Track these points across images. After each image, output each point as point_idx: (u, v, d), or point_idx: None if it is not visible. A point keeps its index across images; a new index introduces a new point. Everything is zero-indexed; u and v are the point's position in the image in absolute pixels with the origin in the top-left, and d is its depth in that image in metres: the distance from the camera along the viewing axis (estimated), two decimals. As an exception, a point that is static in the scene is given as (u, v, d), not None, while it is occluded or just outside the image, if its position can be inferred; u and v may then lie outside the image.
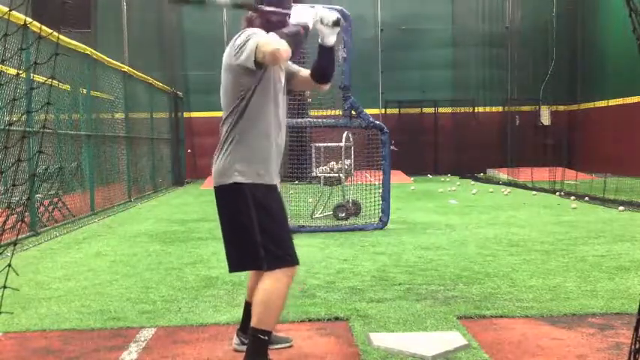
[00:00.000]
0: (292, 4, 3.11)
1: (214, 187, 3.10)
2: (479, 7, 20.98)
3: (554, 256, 5.97)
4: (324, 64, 3.23)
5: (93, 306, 4.44)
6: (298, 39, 2.92)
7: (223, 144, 3.06)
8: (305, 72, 3.33)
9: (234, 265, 3.16)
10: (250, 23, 3.09)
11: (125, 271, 5.69)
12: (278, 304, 2.98)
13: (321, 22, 3.07)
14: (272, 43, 2.80)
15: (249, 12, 3.12)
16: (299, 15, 3.01)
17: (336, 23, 3.09)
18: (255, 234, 2.96)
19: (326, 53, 3.18)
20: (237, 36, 3.00)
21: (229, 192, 3.03)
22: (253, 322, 2.98)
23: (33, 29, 7.38)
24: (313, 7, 3.10)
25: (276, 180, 3.13)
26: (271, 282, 2.97)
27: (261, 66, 2.89)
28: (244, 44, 2.90)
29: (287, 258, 3.01)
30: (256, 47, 2.83)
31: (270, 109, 3.05)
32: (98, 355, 3.45)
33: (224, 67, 3.06)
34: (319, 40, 3.16)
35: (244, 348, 3.16)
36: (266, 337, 2.98)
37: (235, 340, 3.46)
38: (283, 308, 3.06)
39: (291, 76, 3.30)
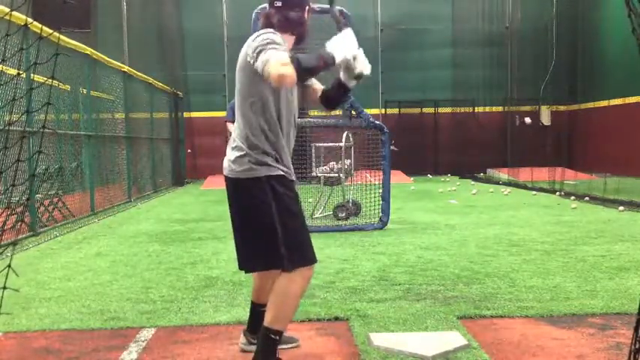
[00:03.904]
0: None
1: (233, 178, 3.06)
2: (479, 7, 20.96)
3: (554, 256, 5.97)
4: (335, 98, 3.21)
5: (93, 306, 4.44)
6: (313, 71, 2.86)
7: (235, 142, 3.07)
8: (317, 87, 3.27)
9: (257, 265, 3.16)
10: (268, 19, 3.06)
11: (125, 271, 5.69)
12: (293, 305, 3.00)
13: (348, 66, 2.97)
14: (279, 66, 2.69)
15: (267, 8, 3.10)
16: (335, 45, 2.92)
17: (359, 77, 3.01)
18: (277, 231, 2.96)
19: (341, 89, 3.13)
20: (255, 35, 2.95)
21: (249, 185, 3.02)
22: (267, 322, 2.98)
23: (33, 29, 7.37)
24: (356, 47, 2.98)
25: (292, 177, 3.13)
26: (287, 282, 2.97)
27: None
28: (261, 50, 2.82)
29: (307, 256, 3.03)
30: (263, 66, 2.77)
31: (283, 116, 3.05)
32: (98, 355, 3.45)
33: (239, 66, 3.04)
34: (340, 76, 3.08)
35: (252, 348, 3.18)
36: (277, 337, 2.99)
37: (242, 339, 3.44)
38: (296, 309, 3.09)
39: (305, 87, 3.25)
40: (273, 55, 2.76)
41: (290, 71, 2.69)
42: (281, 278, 3.00)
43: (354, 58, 2.95)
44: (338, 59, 2.90)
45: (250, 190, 2.99)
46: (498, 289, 4.68)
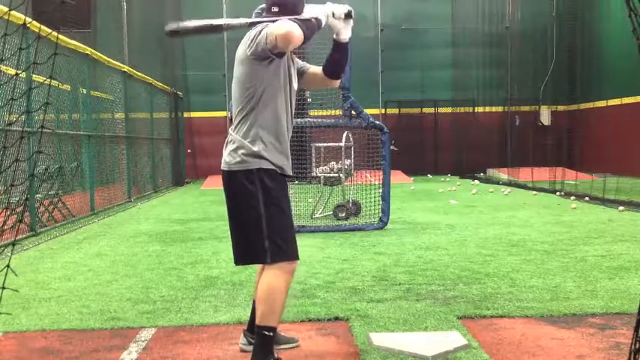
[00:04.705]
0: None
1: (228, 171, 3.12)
2: (479, 7, 20.96)
3: (554, 256, 5.97)
4: (338, 60, 3.26)
5: (93, 306, 4.44)
6: (310, 25, 2.95)
7: (231, 136, 3.11)
8: (315, 68, 3.35)
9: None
10: None
11: (125, 271, 5.69)
12: (280, 300, 3.03)
13: (333, 16, 3.10)
14: (284, 25, 2.85)
15: (264, 13, 3.19)
16: (310, 12, 3.05)
17: (348, 15, 3.13)
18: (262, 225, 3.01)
19: (341, 48, 3.22)
20: (251, 30, 3.07)
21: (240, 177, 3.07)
22: (257, 320, 3.04)
23: (32, 29, 7.37)
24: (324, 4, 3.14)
25: (288, 171, 3.16)
26: (271, 278, 3.03)
27: (273, 52, 2.93)
28: (258, 34, 2.97)
29: (289, 252, 3.07)
30: (268, 34, 2.90)
31: (281, 105, 3.09)
32: (98, 355, 3.45)
33: (237, 60, 3.10)
34: (334, 36, 3.19)
35: (251, 348, 3.18)
36: (271, 333, 3.03)
37: (242, 340, 3.46)
38: (285, 304, 3.11)
39: (301, 74, 3.32)
40: (272, 25, 2.92)
41: (294, 27, 2.84)
42: (264, 274, 3.07)
43: (333, 12, 3.11)
44: (323, 18, 3.05)
45: (241, 181, 3.05)
46: (498, 289, 4.68)
